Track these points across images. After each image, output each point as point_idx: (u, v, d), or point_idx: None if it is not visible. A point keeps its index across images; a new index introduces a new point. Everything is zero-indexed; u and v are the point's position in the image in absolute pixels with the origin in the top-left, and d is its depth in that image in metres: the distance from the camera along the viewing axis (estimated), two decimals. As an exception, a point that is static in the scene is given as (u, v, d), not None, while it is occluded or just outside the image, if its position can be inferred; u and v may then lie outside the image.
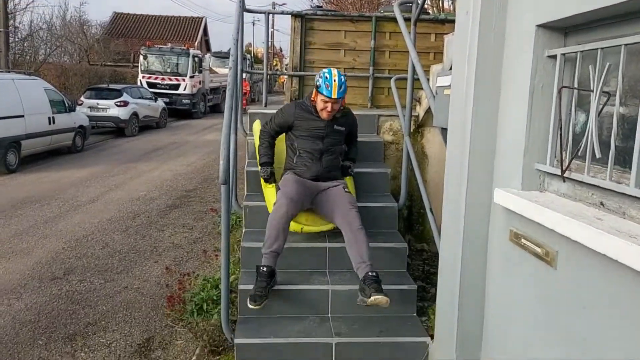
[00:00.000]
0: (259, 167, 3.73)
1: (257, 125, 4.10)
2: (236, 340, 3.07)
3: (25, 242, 6.10)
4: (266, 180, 3.69)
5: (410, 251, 4.00)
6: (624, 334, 1.62)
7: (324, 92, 3.39)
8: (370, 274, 3.08)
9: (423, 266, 4.31)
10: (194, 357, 3.66)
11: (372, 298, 2.95)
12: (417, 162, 3.95)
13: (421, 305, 3.57)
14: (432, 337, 3.06)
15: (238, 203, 4.35)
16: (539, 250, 2.07)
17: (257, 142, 3.86)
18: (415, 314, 3.37)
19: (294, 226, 3.45)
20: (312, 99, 3.55)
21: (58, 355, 3.69)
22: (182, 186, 9.20)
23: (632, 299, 1.57)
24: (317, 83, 3.44)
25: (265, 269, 3.21)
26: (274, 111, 3.81)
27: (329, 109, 3.45)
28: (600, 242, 1.60)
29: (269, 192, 3.69)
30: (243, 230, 3.96)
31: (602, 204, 1.87)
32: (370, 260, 3.18)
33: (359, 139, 4.00)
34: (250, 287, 3.24)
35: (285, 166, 3.73)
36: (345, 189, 3.56)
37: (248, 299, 3.08)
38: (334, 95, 3.38)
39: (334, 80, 3.38)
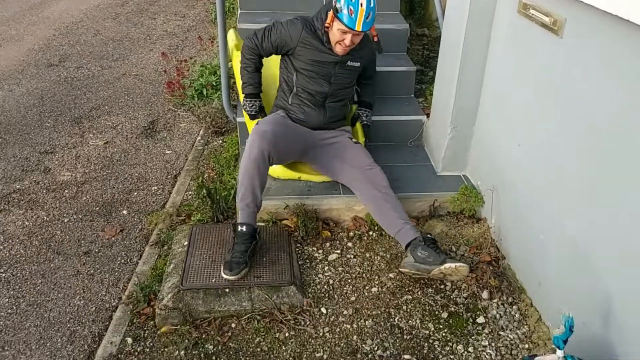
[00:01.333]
0: (242, 98, 2.76)
1: (232, 37, 3.00)
2: (238, 119, 3.17)
3: (14, 29, 5.91)
4: (252, 117, 2.75)
5: (410, 36, 3.91)
6: (622, 90, 1.67)
7: (345, 21, 2.36)
8: (425, 236, 2.40)
9: (422, 51, 4.26)
10: (199, 137, 3.83)
11: (448, 265, 2.29)
12: None
13: (419, 87, 3.62)
14: (427, 115, 3.17)
15: (232, -17, 4.11)
16: (546, 19, 2.02)
17: (235, 64, 2.82)
18: (412, 95, 3.44)
19: (289, 173, 2.77)
20: (326, 24, 2.47)
21: (68, 136, 3.85)
22: (169, -29, 8.59)
23: (637, 58, 1.58)
24: (337, 5, 2.37)
25: (244, 228, 2.40)
26: None
27: (347, 42, 2.44)
28: (614, 2, 1.55)
29: None
30: (238, 13, 3.81)
31: (621, -36, 1.77)
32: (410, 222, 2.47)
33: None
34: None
35: (276, 102, 2.78)
36: (354, 140, 2.73)
37: (222, 268, 2.34)
38: (359, 27, 2.37)
39: (361, 5, 2.32)
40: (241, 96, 2.77)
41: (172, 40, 5.73)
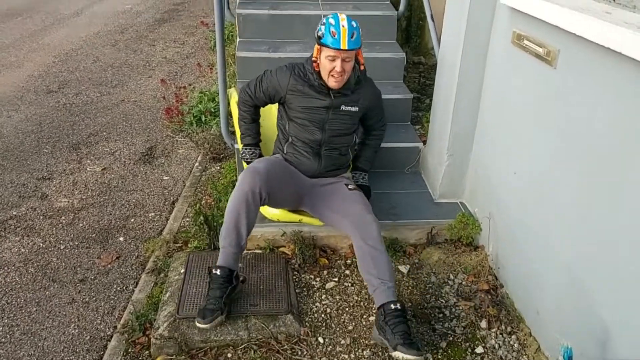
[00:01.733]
0: (240, 146, 2.73)
1: (233, 95, 3.04)
2: (236, 146, 3.18)
3: (14, 55, 5.96)
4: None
5: (406, 64, 3.96)
6: (615, 120, 1.69)
7: (329, 43, 2.28)
8: (394, 306, 2.17)
9: (419, 78, 4.31)
10: (197, 164, 3.84)
11: (399, 355, 2.05)
12: (420, -33, 3.71)
13: (415, 114, 3.65)
14: (424, 142, 3.19)
15: (231, 12, 4.17)
16: (540, 50, 2.06)
17: (235, 113, 2.82)
18: (409, 123, 3.46)
19: (290, 216, 2.64)
20: (313, 57, 2.41)
21: (65, 162, 3.85)
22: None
23: (629, 90, 1.61)
24: (319, 32, 2.33)
25: (219, 272, 2.25)
26: None
27: (337, 68, 2.32)
28: (606, 35, 1.59)
29: None
30: (237, 41, 3.86)
31: (612, -2, 1.81)
32: (392, 280, 2.26)
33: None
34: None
35: (274, 150, 2.71)
36: (350, 186, 2.54)
37: (196, 315, 2.20)
38: (344, 45, 2.27)
39: (343, 26, 2.28)
40: (240, 146, 2.73)
41: (171, 67, 5.78)
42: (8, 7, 7.97)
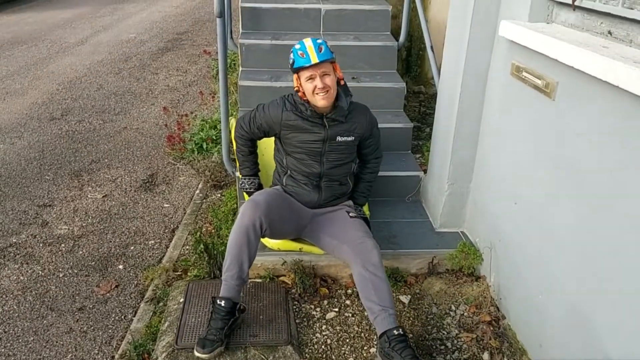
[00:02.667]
0: (239, 176, 2.75)
1: (234, 126, 2.90)
2: (237, 173, 3.19)
3: (18, 83, 6.03)
4: (251, 195, 2.58)
5: (407, 93, 4.01)
6: (613, 152, 1.70)
7: (301, 63, 2.29)
8: (397, 332, 2.18)
9: (419, 108, 4.35)
10: (197, 191, 3.84)
11: None
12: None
13: (416, 143, 3.68)
14: (425, 171, 3.20)
15: (233, 41, 4.23)
16: (539, 82, 2.08)
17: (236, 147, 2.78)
18: (410, 152, 3.48)
19: (290, 245, 2.64)
20: (296, 88, 2.40)
21: (67, 189, 3.86)
22: (172, 29, 8.86)
23: (627, 124, 1.62)
24: (290, 62, 2.36)
25: (223, 303, 2.27)
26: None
27: (319, 84, 2.29)
28: (603, 68, 1.61)
29: None
30: (240, 70, 3.91)
31: (610, 32, 1.84)
32: (393, 307, 2.26)
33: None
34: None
35: (273, 181, 2.70)
36: (351, 214, 2.54)
37: (196, 344, 2.20)
38: (314, 60, 2.27)
39: (308, 46, 2.30)
40: (239, 175, 2.74)
41: (174, 94, 5.84)
42: (13, 35, 8.10)
